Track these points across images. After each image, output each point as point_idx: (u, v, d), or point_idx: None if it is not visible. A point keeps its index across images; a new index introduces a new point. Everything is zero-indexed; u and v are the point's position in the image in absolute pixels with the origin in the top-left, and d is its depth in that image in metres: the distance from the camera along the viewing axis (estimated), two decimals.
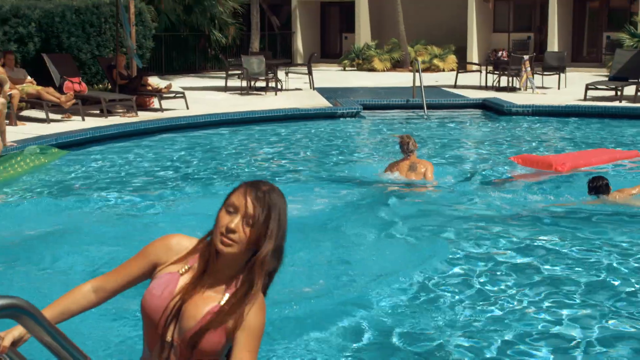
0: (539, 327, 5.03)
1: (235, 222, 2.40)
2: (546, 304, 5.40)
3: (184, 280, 2.48)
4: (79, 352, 2.38)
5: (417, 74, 16.58)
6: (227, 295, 2.45)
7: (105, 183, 9.59)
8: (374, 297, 5.62)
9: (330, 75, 25.71)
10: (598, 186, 7.90)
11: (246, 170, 10.58)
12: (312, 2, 31.53)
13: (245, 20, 26.86)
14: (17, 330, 2.40)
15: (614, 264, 6.23)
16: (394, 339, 4.88)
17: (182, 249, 2.55)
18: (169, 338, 2.46)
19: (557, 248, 6.70)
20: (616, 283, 5.82)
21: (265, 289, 2.50)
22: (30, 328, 2.28)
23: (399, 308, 5.40)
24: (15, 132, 12.29)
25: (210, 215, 6.64)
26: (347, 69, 28.48)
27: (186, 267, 2.51)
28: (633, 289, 5.66)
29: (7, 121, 13.03)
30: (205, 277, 2.48)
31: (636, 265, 6.22)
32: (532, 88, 19.23)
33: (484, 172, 10.08)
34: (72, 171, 10.26)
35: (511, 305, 5.39)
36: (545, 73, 20.72)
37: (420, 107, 16.20)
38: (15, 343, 2.41)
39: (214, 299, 2.45)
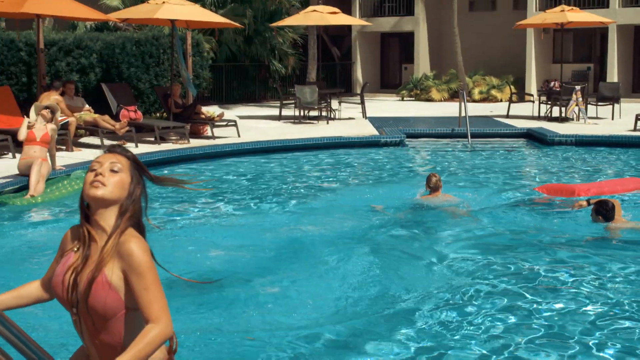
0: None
1: (102, 168, 2.80)
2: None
3: (76, 255, 2.83)
4: (19, 331, 2.75)
5: (462, 104, 16.85)
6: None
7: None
8: (399, 311, 5.98)
9: (388, 105, 26.11)
10: (604, 212, 8.06)
11: (280, 194, 10.99)
12: (371, 33, 32.01)
13: (305, 51, 27.48)
14: None
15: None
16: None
17: (79, 235, 2.89)
18: (74, 310, 2.79)
19: (567, 275, 6.90)
20: None
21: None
22: None
23: (423, 324, 5.69)
24: (70, 158, 12.95)
25: (246, 231, 6.99)
26: (405, 99, 28.83)
27: (78, 246, 2.85)
28: None
29: (64, 147, 13.82)
30: (92, 247, 2.80)
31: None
32: (583, 118, 19.26)
33: (512, 199, 10.29)
34: None
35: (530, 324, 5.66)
36: (599, 103, 20.71)
37: (465, 136, 16.42)
38: None
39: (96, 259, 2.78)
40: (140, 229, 2.88)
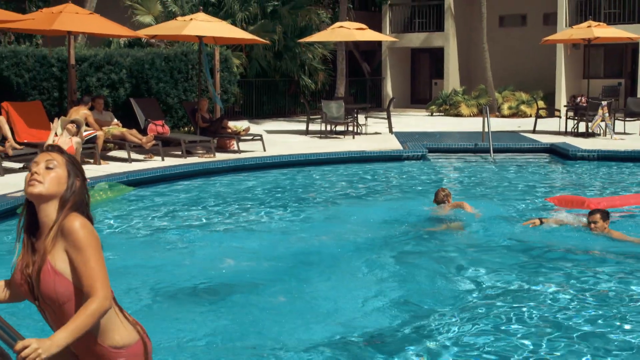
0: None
1: (39, 167, 3.04)
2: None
3: (27, 252, 3.07)
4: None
5: (485, 119, 16.97)
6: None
7: (160, 216, 10.42)
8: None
9: (416, 121, 26.24)
10: (609, 214, 8.23)
11: (296, 207, 11.20)
12: (402, 49, 32.20)
13: (335, 67, 27.75)
14: None
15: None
16: None
17: None
18: (37, 302, 3.03)
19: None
20: None
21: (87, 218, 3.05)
22: None
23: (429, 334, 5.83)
24: (97, 171, 13.28)
25: (262, 242, 7.26)
26: (434, 114, 28.96)
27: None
28: None
29: (92, 160, 14.20)
30: (39, 241, 3.04)
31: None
32: (610, 134, 19.25)
33: (524, 212, 10.39)
34: (133, 205, 11.17)
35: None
36: (627, 119, 20.68)
37: (488, 150, 16.51)
38: None
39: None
40: (88, 219, 3.08)
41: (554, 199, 10.38)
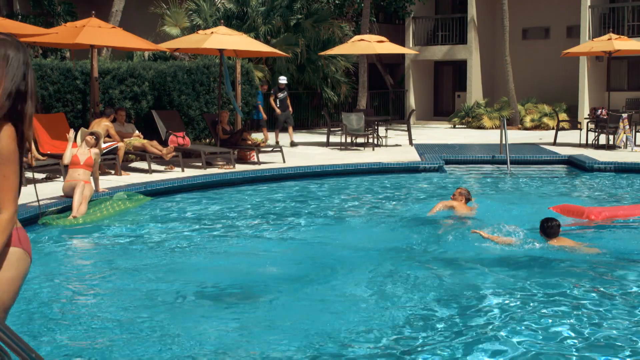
0: None
1: None
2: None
3: None
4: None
5: (502, 131, 17.05)
6: None
7: (178, 225, 10.63)
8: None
9: (438, 133, 26.34)
10: (547, 227, 8.35)
11: (309, 217, 11.37)
12: (425, 61, 32.33)
13: (358, 79, 27.93)
14: None
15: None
16: None
17: None
18: None
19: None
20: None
21: (16, 123, 3.18)
22: None
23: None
24: (117, 181, 13.55)
25: (273, 249, 7.47)
26: (457, 126, 29.04)
27: None
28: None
29: (113, 171, 14.48)
30: None
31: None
32: (630, 146, 19.24)
33: (531, 221, 10.48)
34: (151, 214, 11.40)
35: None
36: None
37: (505, 162, 16.58)
38: None
39: None
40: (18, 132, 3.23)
41: (557, 207, 10.48)
